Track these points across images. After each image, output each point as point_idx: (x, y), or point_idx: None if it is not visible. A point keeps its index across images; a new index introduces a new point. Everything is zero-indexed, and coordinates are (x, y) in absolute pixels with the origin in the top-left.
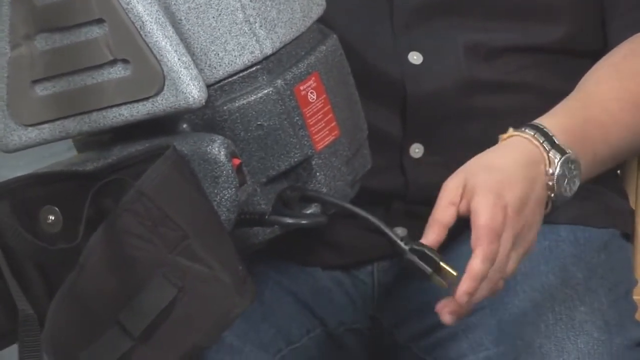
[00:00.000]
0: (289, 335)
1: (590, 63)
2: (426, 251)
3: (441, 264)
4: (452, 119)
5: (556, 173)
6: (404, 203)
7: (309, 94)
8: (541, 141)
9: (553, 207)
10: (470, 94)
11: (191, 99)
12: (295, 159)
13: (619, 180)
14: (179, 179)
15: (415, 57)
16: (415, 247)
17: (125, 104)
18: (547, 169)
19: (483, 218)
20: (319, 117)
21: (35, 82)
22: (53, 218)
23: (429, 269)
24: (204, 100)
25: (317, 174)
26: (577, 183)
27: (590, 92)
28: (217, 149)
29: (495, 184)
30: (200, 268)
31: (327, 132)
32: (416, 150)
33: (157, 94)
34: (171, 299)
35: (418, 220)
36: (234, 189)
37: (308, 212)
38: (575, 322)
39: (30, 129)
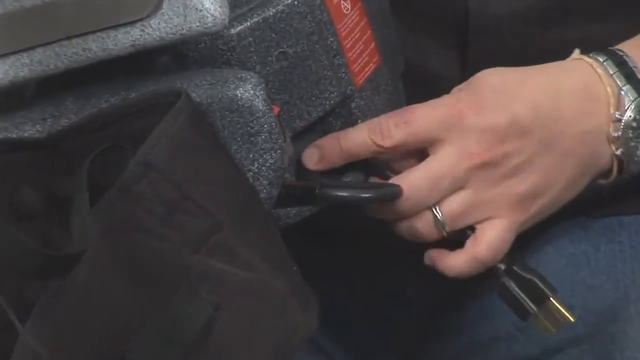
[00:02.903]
0: None
1: None
2: (534, 279)
3: (552, 300)
4: (524, 55)
5: (624, 119)
6: None
7: (342, 2)
8: (612, 72)
9: (619, 174)
10: (550, 23)
11: (210, 18)
12: (332, 101)
13: None
14: (199, 142)
15: None
16: (518, 269)
17: (95, 32)
18: (612, 111)
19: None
20: (356, 36)
21: None
22: None
23: (533, 308)
24: (226, 20)
25: (359, 122)
26: None
27: None
28: (251, 91)
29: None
30: (243, 273)
31: (367, 58)
32: None
33: (150, 16)
34: (204, 322)
35: None
36: (279, 151)
37: (347, 179)
38: None
39: None
